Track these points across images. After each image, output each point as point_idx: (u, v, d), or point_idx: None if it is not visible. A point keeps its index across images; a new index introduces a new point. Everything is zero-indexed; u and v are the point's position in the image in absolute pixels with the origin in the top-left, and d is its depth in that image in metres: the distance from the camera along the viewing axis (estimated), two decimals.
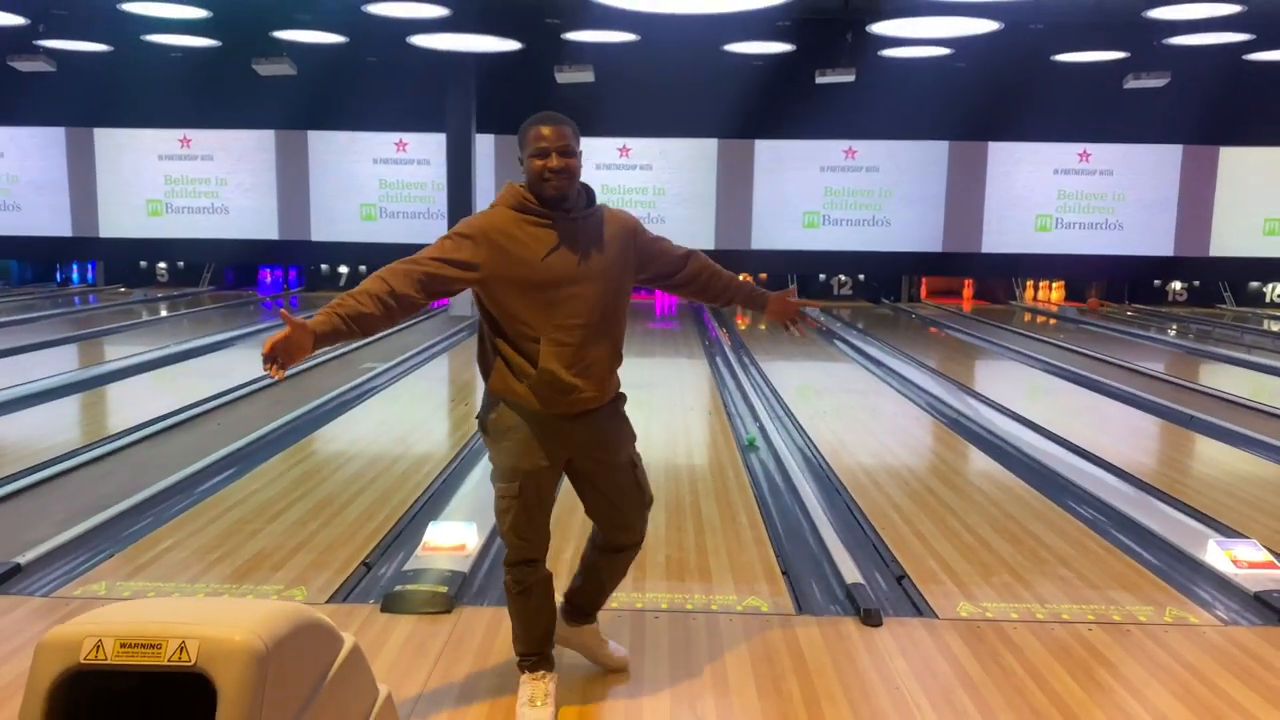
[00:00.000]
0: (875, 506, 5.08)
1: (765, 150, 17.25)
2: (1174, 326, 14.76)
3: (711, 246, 17.26)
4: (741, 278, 3.22)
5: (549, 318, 2.65)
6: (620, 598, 3.75)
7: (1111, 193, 17.18)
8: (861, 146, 17.17)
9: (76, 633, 1.65)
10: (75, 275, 18.45)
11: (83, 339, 11.69)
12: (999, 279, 18.08)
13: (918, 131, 16.81)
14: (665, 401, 7.96)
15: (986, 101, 16.02)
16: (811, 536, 4.63)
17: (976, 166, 17.16)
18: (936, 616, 3.65)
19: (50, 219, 17.63)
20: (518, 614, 2.85)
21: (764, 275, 17.52)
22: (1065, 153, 17.11)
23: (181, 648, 1.62)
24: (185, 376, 9.27)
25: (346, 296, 2.57)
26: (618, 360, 2.82)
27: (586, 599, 3.06)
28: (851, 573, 3.98)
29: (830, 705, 2.95)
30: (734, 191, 17.30)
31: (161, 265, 18.11)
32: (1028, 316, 16.18)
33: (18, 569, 3.93)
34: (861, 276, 18.20)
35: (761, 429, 6.86)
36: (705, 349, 11.33)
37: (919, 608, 3.75)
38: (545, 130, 2.62)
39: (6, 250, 17.35)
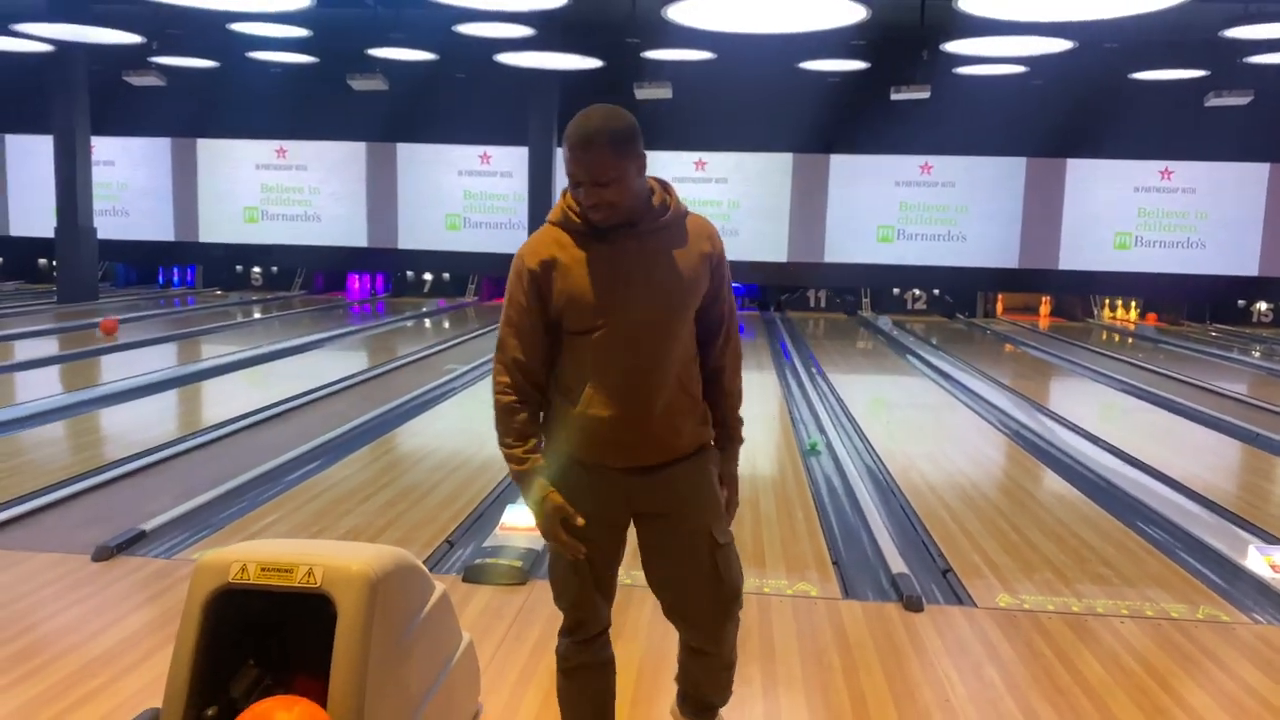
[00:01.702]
0: (928, 508, 5.30)
1: (840, 165, 17.43)
2: (1258, 348, 14.52)
3: (784, 259, 17.51)
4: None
5: (595, 352, 2.20)
6: None
7: (1194, 211, 16.95)
8: (937, 162, 17.24)
9: (226, 558, 2.03)
10: (175, 278, 19.43)
11: (182, 338, 12.42)
12: (1076, 296, 17.95)
13: (994, 147, 16.83)
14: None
15: (1064, 118, 16.00)
16: (864, 533, 4.88)
17: (1054, 183, 17.09)
18: (975, 605, 3.89)
19: (154, 224, 18.63)
20: (558, 696, 2.44)
21: (822, 294, 17.69)
22: (1146, 170, 16.95)
23: (309, 572, 1.99)
24: (277, 374, 9.84)
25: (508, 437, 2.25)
26: (690, 404, 2.28)
27: (689, 698, 2.56)
28: (898, 564, 4.24)
29: (867, 675, 3.23)
30: (808, 205, 17.50)
31: (256, 270, 18.97)
32: (1105, 335, 16.06)
33: (142, 535, 4.41)
34: (936, 291, 18.23)
35: (825, 438, 7.09)
36: (774, 359, 11.57)
37: (960, 598, 3.99)
38: (575, 155, 2.11)
39: (113, 253, 18.34)
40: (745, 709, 3.01)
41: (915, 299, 18.32)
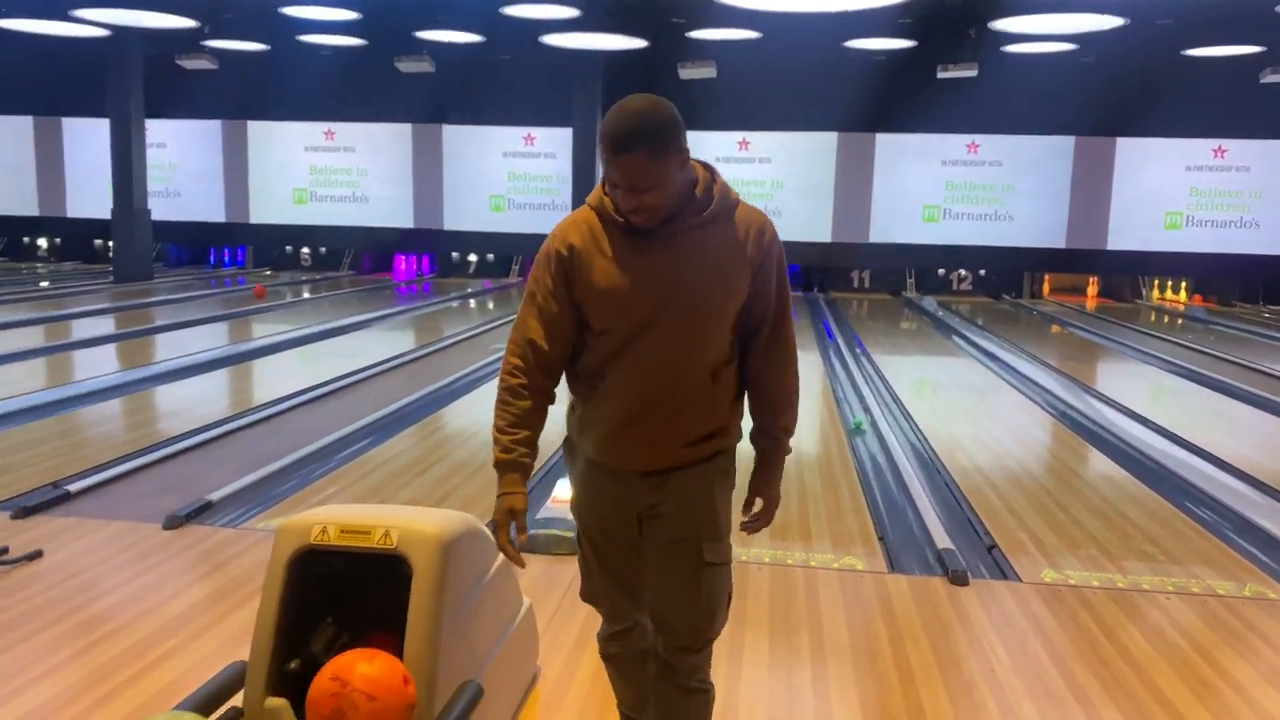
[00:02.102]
0: (974, 487, 5.34)
1: (885, 144, 17.32)
2: None
3: (829, 239, 17.46)
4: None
5: (611, 352, 2.10)
6: None
7: (1248, 190, 16.65)
8: (984, 141, 17.08)
9: (307, 520, 2.15)
10: (226, 258, 19.80)
11: (233, 318, 12.69)
12: (1125, 277, 17.72)
13: (1042, 126, 16.63)
14: None
15: (1115, 96, 15.76)
16: (909, 510, 4.94)
17: (1104, 162, 16.86)
18: (1020, 580, 3.94)
19: (205, 205, 18.99)
20: (609, 675, 2.47)
21: (866, 274, 17.63)
22: (1199, 148, 16.66)
23: (386, 534, 2.11)
24: (327, 353, 10.03)
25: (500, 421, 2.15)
26: (708, 412, 2.12)
27: None
28: (943, 540, 4.30)
29: (913, 645, 3.30)
30: (853, 185, 17.42)
31: (305, 250, 19.26)
32: (1154, 316, 15.85)
33: (209, 505, 4.58)
34: (982, 272, 18.09)
35: (870, 418, 7.12)
36: (818, 340, 11.59)
37: (1005, 573, 4.04)
38: (610, 159, 1.97)
39: (165, 234, 18.71)
40: (794, 676, 3.10)
41: (961, 279, 18.19)
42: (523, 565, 2.16)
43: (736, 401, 2.20)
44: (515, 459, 2.11)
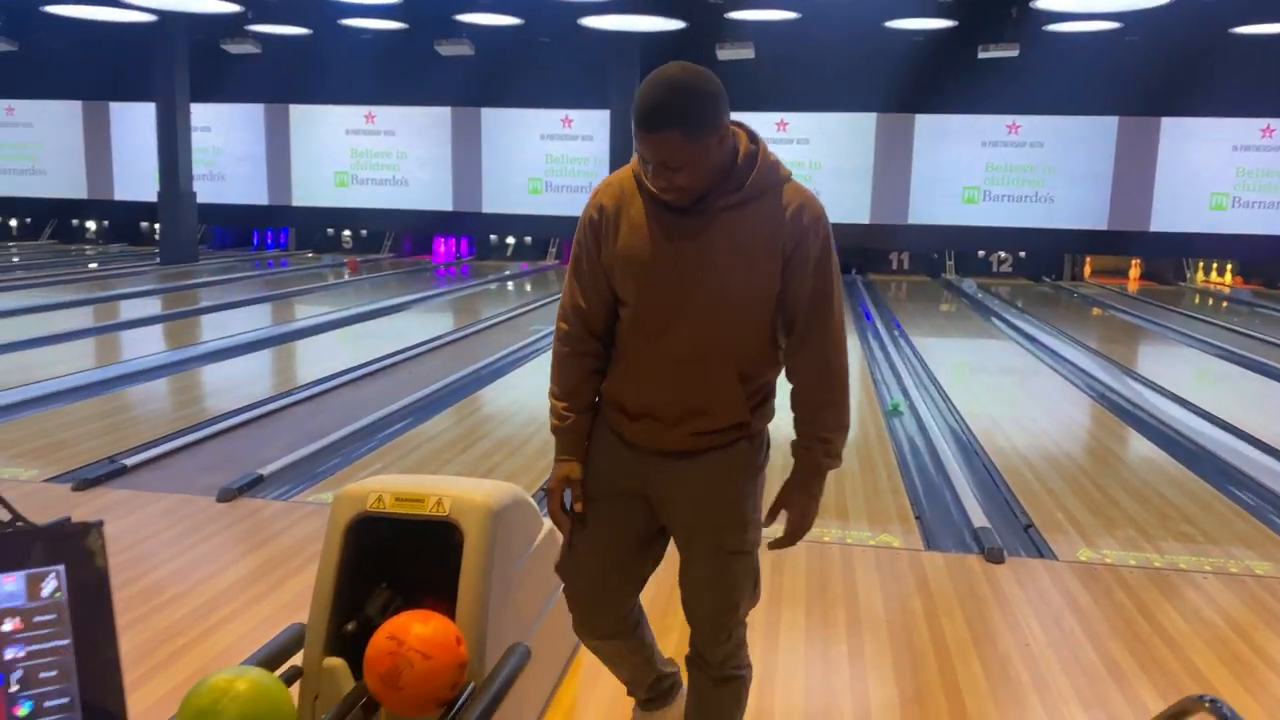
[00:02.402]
0: (1011, 467, 5.35)
1: (925, 125, 17.18)
2: None
3: (867, 221, 17.38)
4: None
5: (629, 327, 2.02)
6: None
7: None
8: (1025, 122, 16.88)
9: (363, 489, 2.24)
10: (269, 240, 20.07)
11: (277, 299, 12.89)
12: (1168, 259, 17.47)
13: (1085, 106, 16.40)
14: None
15: (1159, 75, 15.51)
16: (947, 490, 4.97)
17: (1147, 142, 16.60)
18: (1056, 559, 3.97)
19: (248, 188, 19.25)
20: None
21: (905, 256, 17.54)
22: (1246, 128, 16.35)
23: (439, 502, 2.19)
24: (369, 334, 10.18)
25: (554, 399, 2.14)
26: (731, 401, 1.99)
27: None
28: (979, 519, 4.34)
29: (949, 620, 3.35)
30: (892, 166, 17.31)
31: (346, 233, 19.48)
32: (1198, 298, 15.64)
33: (260, 479, 4.72)
34: (1022, 254, 17.91)
35: (908, 400, 7.12)
36: (856, 321, 11.57)
37: (1041, 552, 4.07)
38: (641, 135, 1.82)
39: (210, 216, 18.98)
40: (830, 649, 3.16)
41: (1001, 261, 18.03)
42: (568, 536, 2.11)
43: (767, 403, 2.05)
44: (569, 425, 2.09)
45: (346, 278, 15.11)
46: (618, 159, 15.91)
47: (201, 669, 2.85)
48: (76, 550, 0.95)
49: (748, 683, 2.19)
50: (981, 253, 17.93)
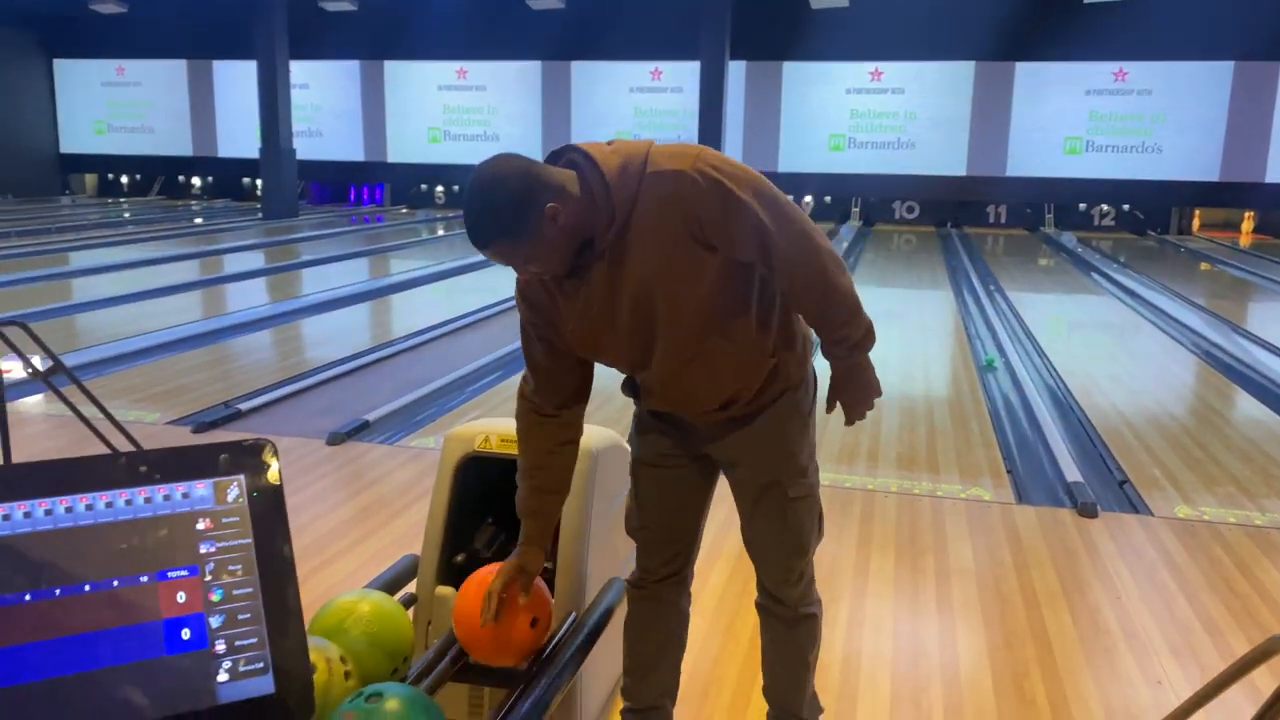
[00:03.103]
0: (1108, 424, 5.27)
1: (1026, 73, 16.65)
2: None
3: (964, 173, 16.99)
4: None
5: (627, 372, 2.05)
6: (852, 479, 4.28)
7: None
8: (1133, 68, 16.23)
9: (472, 430, 2.36)
10: (365, 196, 20.54)
11: (374, 253, 13.24)
12: None
13: (1197, 51, 15.69)
14: (906, 326, 8.27)
15: (1279, 16, 14.74)
16: (1040, 446, 4.92)
17: (1265, 88, 15.81)
18: (1152, 515, 3.93)
19: (345, 145, 19.70)
20: (624, 631, 2.28)
21: (1003, 209, 17.09)
22: None
23: None
24: (462, 288, 10.40)
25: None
26: (755, 366, 1.93)
27: (772, 701, 2.29)
28: (1073, 473, 4.30)
29: (1039, 572, 3.36)
30: (990, 116, 16.85)
31: (439, 188, 19.82)
32: None
33: (366, 424, 4.93)
34: (1126, 207, 17.32)
35: (1004, 356, 7.01)
36: (950, 276, 11.39)
37: (1136, 508, 4.03)
38: (482, 252, 1.76)
39: (309, 172, 19.51)
40: (919, 595, 3.21)
41: (1103, 215, 17.48)
42: (486, 623, 1.93)
43: (794, 346, 1.98)
44: (533, 509, 2.04)
45: (441, 233, 15.40)
46: (708, 110, 15.80)
47: (323, 595, 3.04)
48: (254, 463, 1.08)
49: (820, 620, 2.21)
50: (1083, 206, 17.40)
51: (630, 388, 2.09)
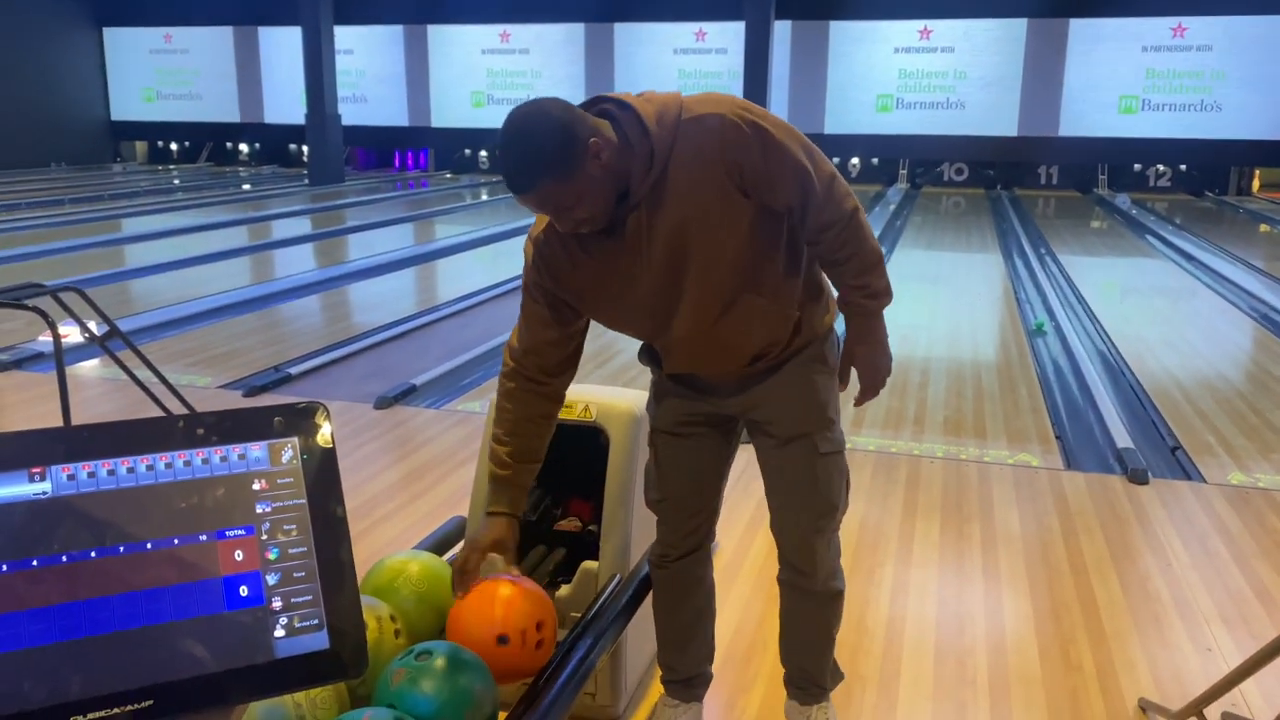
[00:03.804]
0: (1161, 389, 5.19)
1: (1080, 30, 16.23)
2: None
3: (1014, 133, 16.66)
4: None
5: (644, 338, 2.01)
6: (899, 445, 4.25)
7: None
8: (1192, 23, 15.76)
9: None
10: (410, 162, 20.62)
11: (419, 219, 13.31)
12: None
13: (1260, 4, 15.18)
14: (954, 291, 8.17)
15: None
16: (1090, 411, 4.86)
17: None
18: (1205, 482, 3.87)
19: (390, 110, 19.76)
20: (654, 607, 2.25)
21: (1054, 170, 16.73)
22: None
23: (586, 408, 2.32)
24: (506, 253, 10.40)
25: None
26: (778, 322, 1.89)
27: (789, 667, 2.22)
28: (1124, 439, 4.25)
29: (1087, 538, 3.33)
30: (1042, 74, 16.47)
31: (484, 153, 19.84)
32: None
33: (414, 388, 4.99)
34: (1183, 167, 16.90)
35: (1054, 320, 6.90)
36: (1000, 239, 11.22)
37: (1189, 474, 3.97)
38: (520, 198, 1.72)
39: (354, 138, 19.63)
40: (964, 561, 3.19)
41: (1159, 175, 17.07)
42: (462, 593, 1.82)
43: (815, 301, 1.95)
44: (509, 478, 1.96)
45: (485, 198, 15.44)
46: (753, 71, 15.61)
47: (372, 555, 3.09)
48: (307, 425, 1.11)
49: (843, 598, 2.13)
50: (1138, 166, 16.99)
51: (649, 355, 2.05)
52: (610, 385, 2.44)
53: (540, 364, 1.94)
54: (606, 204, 1.72)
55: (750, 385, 1.96)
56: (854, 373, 1.96)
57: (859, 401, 2.00)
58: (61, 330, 2.34)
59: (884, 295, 1.89)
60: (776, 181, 1.73)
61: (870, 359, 1.92)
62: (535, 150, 1.64)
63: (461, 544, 2.13)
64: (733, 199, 1.73)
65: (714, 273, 1.79)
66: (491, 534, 1.89)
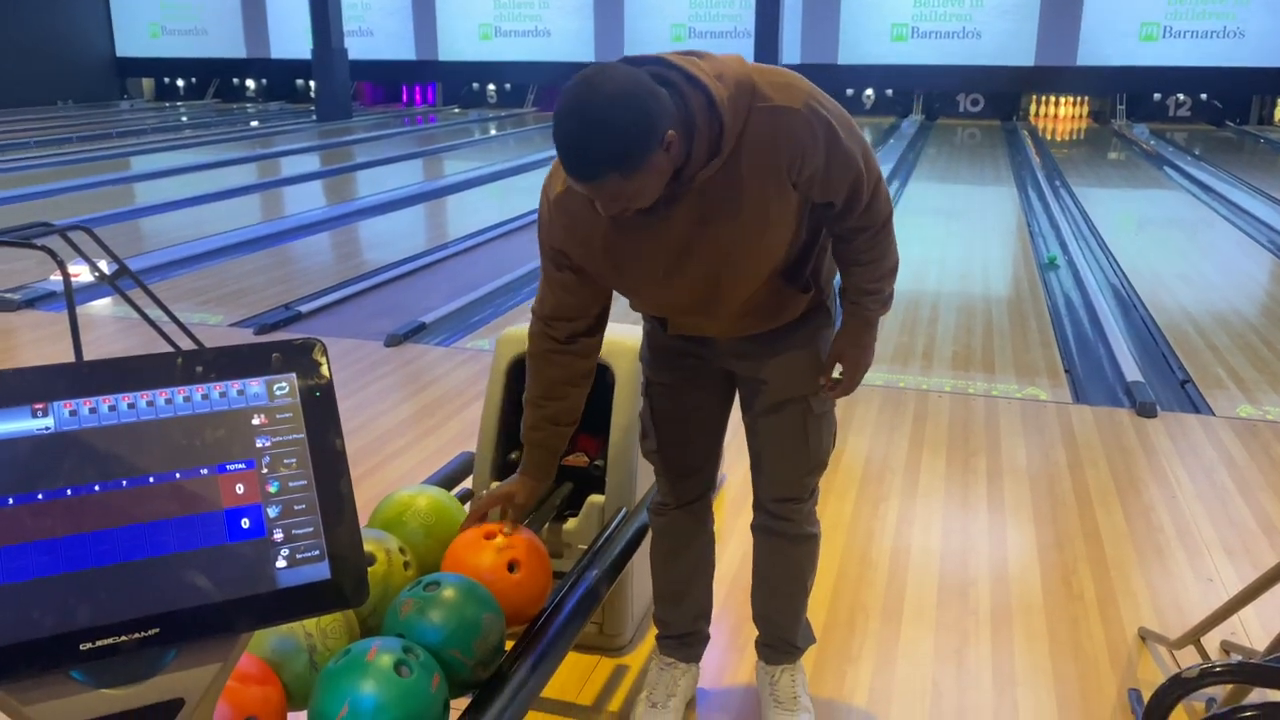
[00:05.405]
0: (1172, 323, 5.16)
1: None
2: None
3: (1031, 62, 16.35)
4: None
5: (662, 316, 1.95)
6: (906, 379, 4.26)
7: None
8: None
9: (523, 331, 2.39)
10: (418, 97, 20.39)
11: (428, 154, 13.20)
12: None
13: None
14: (967, 224, 8.10)
15: None
16: (1101, 345, 4.84)
17: None
18: (1213, 414, 3.87)
19: (396, 43, 19.49)
20: (651, 558, 2.23)
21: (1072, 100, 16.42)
22: None
23: None
24: (515, 189, 10.35)
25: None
26: (788, 300, 1.86)
27: (763, 627, 2.21)
28: (1133, 373, 4.24)
29: (1093, 470, 3.35)
30: (1060, 1, 16.10)
31: (491, 86, 19.61)
32: None
33: (423, 326, 5.01)
34: (1204, 96, 16.56)
35: (1066, 254, 6.84)
36: (1014, 171, 11.08)
37: (1198, 408, 3.97)
38: (580, 184, 1.53)
39: (361, 73, 19.40)
40: (970, 492, 3.22)
41: (1179, 105, 16.75)
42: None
43: (828, 281, 1.92)
44: (541, 441, 1.94)
45: (493, 133, 15.29)
46: (766, 4, 15.29)
47: (382, 490, 3.13)
48: (305, 361, 1.12)
49: (819, 543, 2.12)
50: (1157, 95, 16.66)
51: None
52: (615, 323, 2.45)
53: (571, 329, 1.86)
54: (657, 195, 1.58)
55: (752, 347, 1.92)
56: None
57: (832, 396, 1.97)
58: (71, 269, 2.35)
59: (889, 303, 1.91)
60: (832, 183, 1.67)
61: (858, 361, 1.93)
62: (611, 140, 1.45)
63: (474, 491, 2.21)
64: (785, 192, 1.66)
65: (752, 261, 1.73)
66: (514, 493, 1.92)
